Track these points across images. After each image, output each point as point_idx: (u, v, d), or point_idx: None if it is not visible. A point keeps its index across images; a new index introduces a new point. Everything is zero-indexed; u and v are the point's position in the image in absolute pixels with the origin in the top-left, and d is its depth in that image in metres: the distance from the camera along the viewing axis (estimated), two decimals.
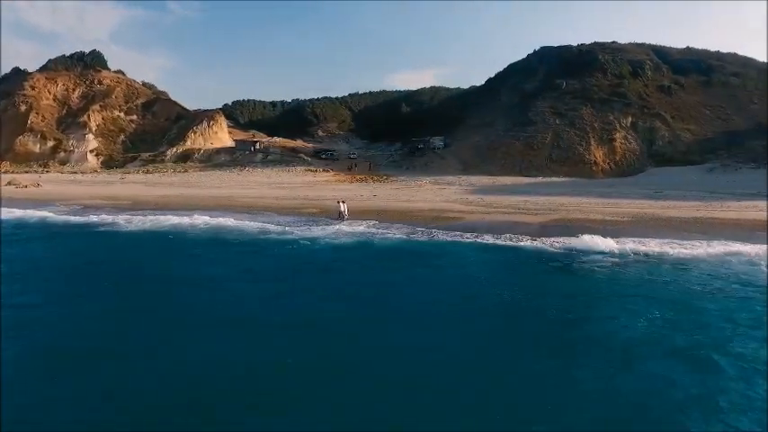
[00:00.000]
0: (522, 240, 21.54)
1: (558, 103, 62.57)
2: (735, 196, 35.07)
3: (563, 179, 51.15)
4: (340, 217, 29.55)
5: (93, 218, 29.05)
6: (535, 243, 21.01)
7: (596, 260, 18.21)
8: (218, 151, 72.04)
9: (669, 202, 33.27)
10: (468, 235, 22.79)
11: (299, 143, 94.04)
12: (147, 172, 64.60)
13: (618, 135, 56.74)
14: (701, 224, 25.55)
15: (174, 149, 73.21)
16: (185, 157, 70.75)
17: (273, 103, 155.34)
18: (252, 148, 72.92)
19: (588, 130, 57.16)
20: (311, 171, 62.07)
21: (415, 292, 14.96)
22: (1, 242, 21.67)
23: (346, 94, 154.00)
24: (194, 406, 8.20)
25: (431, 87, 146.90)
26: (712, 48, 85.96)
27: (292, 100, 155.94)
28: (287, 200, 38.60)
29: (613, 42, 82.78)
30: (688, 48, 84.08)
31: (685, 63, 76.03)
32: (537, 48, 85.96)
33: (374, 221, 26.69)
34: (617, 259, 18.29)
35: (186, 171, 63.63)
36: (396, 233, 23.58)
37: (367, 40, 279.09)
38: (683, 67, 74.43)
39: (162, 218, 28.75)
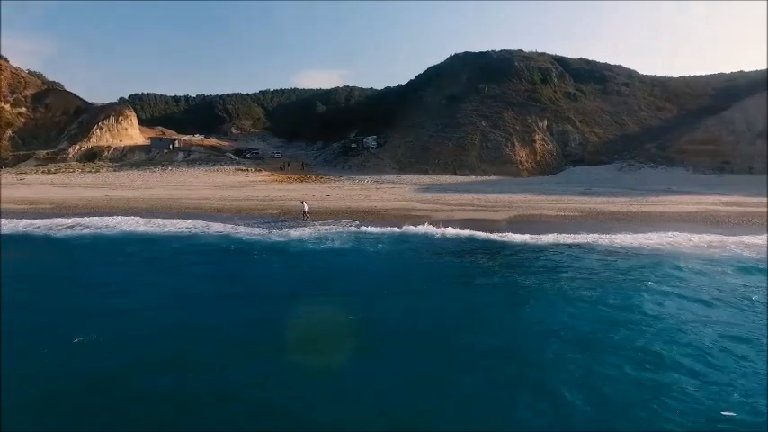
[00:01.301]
0: (507, 235, 22.98)
1: (481, 106, 66.35)
2: (652, 192, 40.16)
3: (494, 178, 54.47)
4: (304, 217, 29.16)
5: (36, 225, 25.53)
6: (522, 237, 22.51)
7: (584, 252, 20.07)
8: (132, 150, 66.01)
9: (603, 198, 37.20)
10: (450, 232, 23.77)
11: (213, 142, 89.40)
12: (49, 172, 57.40)
13: (537, 137, 61.72)
14: (642, 217, 29.03)
15: (78, 147, 65.76)
16: (92, 156, 63.87)
17: (177, 98, 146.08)
18: (170, 147, 67.85)
19: (512, 132, 61.44)
20: (242, 171, 59.45)
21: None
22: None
23: (257, 91, 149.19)
24: None
25: (344, 87, 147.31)
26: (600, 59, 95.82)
27: (197, 95, 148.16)
28: (237, 201, 36.87)
29: (519, 51, 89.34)
30: (582, 58, 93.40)
31: (583, 72, 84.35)
32: (453, 53, 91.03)
33: (356, 222, 26.56)
34: (599, 251, 20.32)
35: (98, 171, 57.54)
36: (385, 232, 23.81)
37: (270, 39, 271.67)
38: (582, 76, 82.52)
39: (107, 221, 26.17)
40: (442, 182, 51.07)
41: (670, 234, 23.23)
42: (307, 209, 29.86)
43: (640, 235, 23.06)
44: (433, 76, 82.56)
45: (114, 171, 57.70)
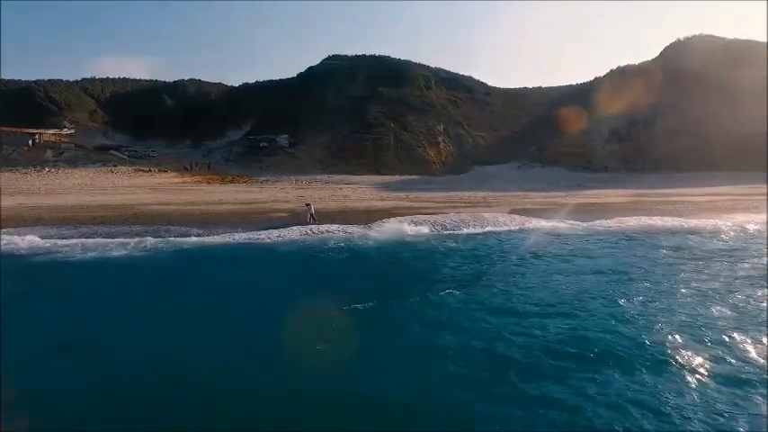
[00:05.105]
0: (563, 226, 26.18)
1: (386, 108, 69.30)
2: (572, 187, 48.14)
3: (417, 177, 57.83)
4: (311, 220, 28.15)
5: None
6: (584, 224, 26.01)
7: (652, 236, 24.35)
8: None
9: (544, 193, 43.24)
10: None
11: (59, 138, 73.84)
12: None
13: (440, 139, 67.31)
14: (598, 208, 35.11)
15: None
16: None
17: None
18: (30, 143, 54.60)
19: (419, 134, 65.80)
20: (144, 171, 51.44)
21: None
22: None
23: (80, 78, 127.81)
24: None
25: (191, 80, 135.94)
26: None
27: None
28: (211, 205, 32.85)
29: (388, 56, 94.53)
30: (439, 68, 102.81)
31: (451, 81, 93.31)
32: (330, 53, 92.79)
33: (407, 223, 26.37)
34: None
35: None
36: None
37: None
38: (451, 84, 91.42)
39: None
40: (382, 181, 52.47)
41: (644, 218, 29.24)
42: (314, 211, 28.84)
43: (644, 218, 28.73)
44: (323, 76, 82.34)
45: None
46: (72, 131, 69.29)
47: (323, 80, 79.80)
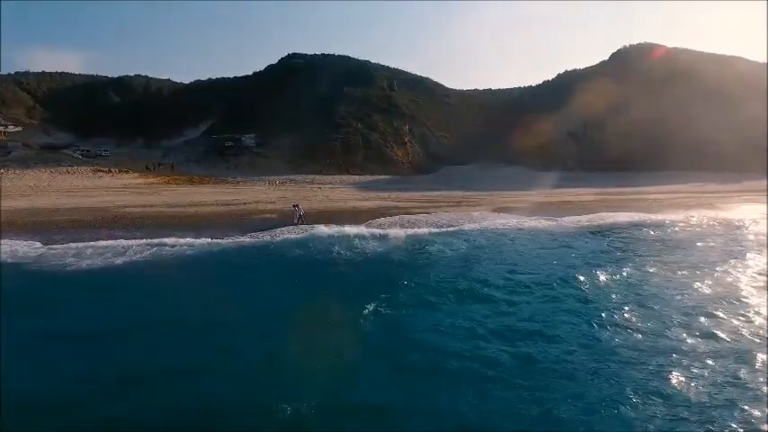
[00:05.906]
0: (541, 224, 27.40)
1: (352, 108, 69.14)
2: (539, 187, 50.06)
3: (387, 177, 58.30)
4: (300, 221, 28.03)
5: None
6: (570, 219, 27.39)
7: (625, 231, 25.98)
8: None
9: (518, 192, 44.92)
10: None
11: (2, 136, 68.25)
12: None
13: (406, 139, 68.00)
14: (577, 205, 37.02)
15: None
16: None
17: None
18: None
19: (386, 134, 66.17)
20: (104, 171, 48.74)
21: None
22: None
23: (13, 72, 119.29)
24: None
25: (137, 75, 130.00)
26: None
27: None
28: (190, 207, 31.74)
29: (349, 56, 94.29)
30: (398, 69, 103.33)
31: (411, 82, 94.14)
32: (290, 52, 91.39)
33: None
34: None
35: None
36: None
37: None
38: (411, 85, 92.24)
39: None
40: (354, 181, 52.63)
41: (617, 214, 31.21)
42: (303, 212, 28.65)
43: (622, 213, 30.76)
44: (286, 75, 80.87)
45: None
46: (19, 129, 64.11)
47: (286, 79, 78.31)
